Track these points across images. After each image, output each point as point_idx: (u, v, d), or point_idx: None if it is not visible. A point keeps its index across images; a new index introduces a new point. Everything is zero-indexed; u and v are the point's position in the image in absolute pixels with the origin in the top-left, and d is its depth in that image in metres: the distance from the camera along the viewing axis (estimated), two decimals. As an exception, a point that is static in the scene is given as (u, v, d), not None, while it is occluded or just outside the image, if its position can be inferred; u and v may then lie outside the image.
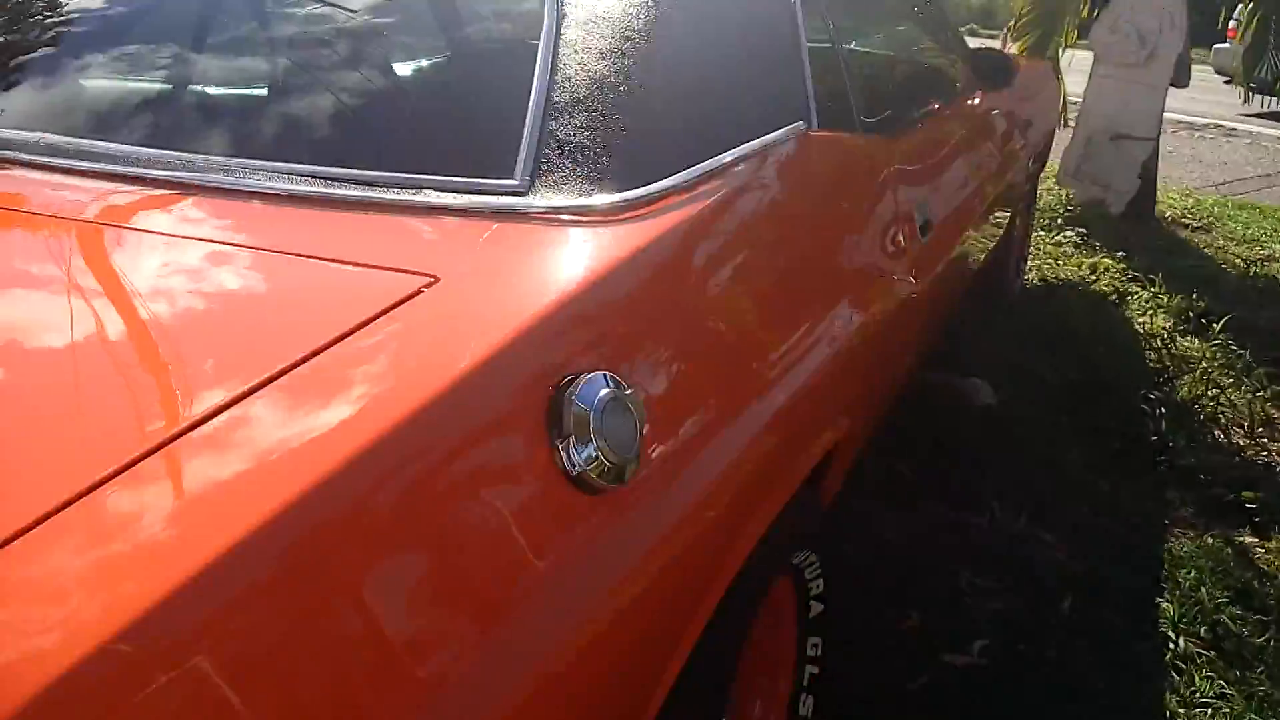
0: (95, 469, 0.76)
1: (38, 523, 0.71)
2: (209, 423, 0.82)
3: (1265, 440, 3.06)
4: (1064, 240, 4.75)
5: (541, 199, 1.19)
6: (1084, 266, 4.38)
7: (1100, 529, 2.57)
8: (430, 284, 1.03)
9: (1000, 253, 3.37)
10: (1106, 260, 4.43)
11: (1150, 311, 3.92)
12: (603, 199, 1.20)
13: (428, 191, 1.20)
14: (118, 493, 0.75)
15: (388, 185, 1.21)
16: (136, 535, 0.73)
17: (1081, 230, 4.83)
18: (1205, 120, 9.71)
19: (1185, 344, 3.63)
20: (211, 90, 1.52)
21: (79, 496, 0.73)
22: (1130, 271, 4.32)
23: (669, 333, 1.16)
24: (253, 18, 1.67)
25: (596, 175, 1.23)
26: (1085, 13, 5.46)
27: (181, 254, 1.13)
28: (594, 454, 0.95)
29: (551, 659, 0.90)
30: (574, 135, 1.26)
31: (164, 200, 1.23)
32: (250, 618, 0.72)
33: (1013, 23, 5.49)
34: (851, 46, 2.29)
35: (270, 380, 0.87)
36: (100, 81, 1.53)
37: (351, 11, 1.52)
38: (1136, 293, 4.12)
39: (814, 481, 1.62)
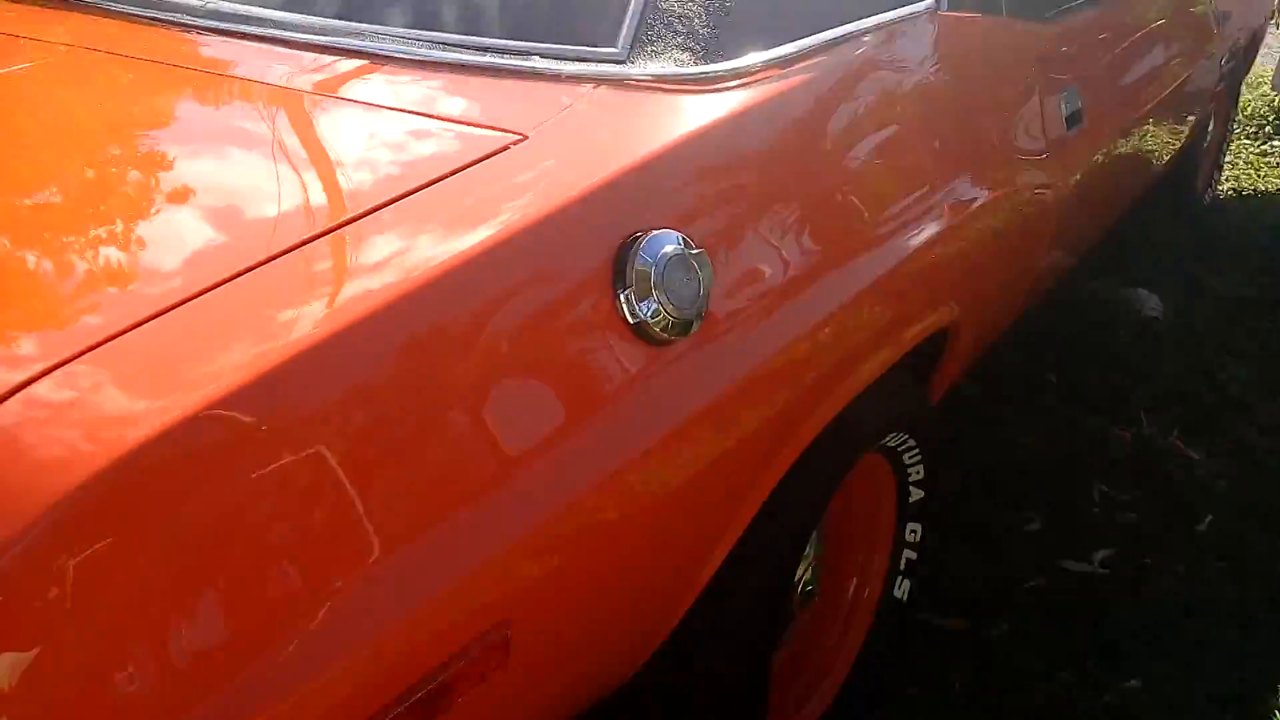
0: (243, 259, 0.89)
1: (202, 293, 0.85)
2: (305, 246, 0.92)
3: None
4: (1270, 150, 4.38)
5: (639, 68, 1.22)
6: (1288, 179, 4.04)
7: (1257, 451, 2.44)
8: (517, 141, 1.09)
9: (1183, 158, 3.16)
10: (1314, 173, 4.08)
11: (1357, 229, 3.60)
12: (698, 69, 1.22)
13: (535, 58, 1.25)
14: (250, 283, 0.88)
15: (501, 52, 1.27)
16: (268, 321, 0.86)
17: (1293, 141, 4.44)
18: None
19: (1392, 266, 3.33)
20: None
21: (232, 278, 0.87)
22: (1340, 186, 3.96)
23: (750, 199, 1.18)
24: None
25: (695, 47, 1.25)
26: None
27: (308, 106, 1.24)
28: (655, 306, 1.00)
29: (602, 492, 0.97)
30: (677, 6, 1.27)
31: (297, 61, 1.32)
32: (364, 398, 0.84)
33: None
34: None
35: (366, 214, 0.97)
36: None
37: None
38: (1345, 209, 3.78)
39: (917, 367, 1.62)
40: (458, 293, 0.92)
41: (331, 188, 1.06)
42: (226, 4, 1.46)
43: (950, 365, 1.74)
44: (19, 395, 0.75)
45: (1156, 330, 2.92)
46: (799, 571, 1.50)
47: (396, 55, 1.28)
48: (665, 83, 1.21)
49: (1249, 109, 4.78)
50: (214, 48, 1.39)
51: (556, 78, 1.22)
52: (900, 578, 1.72)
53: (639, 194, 1.06)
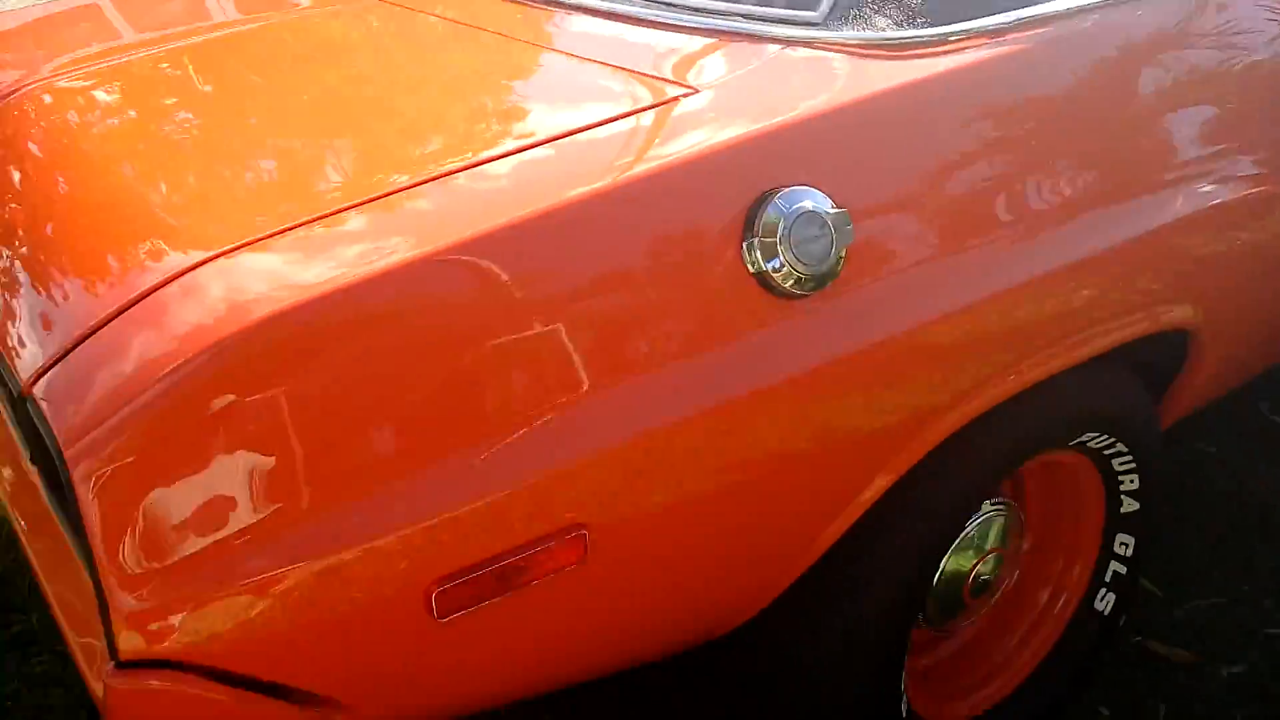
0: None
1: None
2: (491, 163, 1.06)
3: None
4: None
5: (831, 32, 1.23)
6: None
7: None
8: (687, 94, 1.15)
9: None
10: None
11: None
12: (891, 35, 1.22)
13: (736, 19, 1.30)
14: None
15: (706, 11, 1.34)
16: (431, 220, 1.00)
17: None
18: None
19: None
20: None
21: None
22: None
23: (921, 168, 1.15)
24: None
25: (897, 14, 1.24)
26: None
27: (518, 52, 1.39)
28: (779, 260, 1.03)
29: (694, 428, 1.02)
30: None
31: (521, 11, 1.47)
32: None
33: None
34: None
35: (543, 143, 1.10)
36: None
37: None
38: None
39: (1145, 372, 1.50)
40: (599, 220, 1.01)
41: (514, 118, 1.19)
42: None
43: (1193, 380, 1.58)
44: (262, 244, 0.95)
45: None
46: (971, 563, 1.45)
47: (610, 10, 1.39)
48: (855, 47, 1.22)
49: None
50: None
51: (750, 37, 1.27)
52: (1104, 590, 1.62)
53: (788, 150, 1.08)
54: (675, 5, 1.36)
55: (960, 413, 1.19)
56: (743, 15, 1.30)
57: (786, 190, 1.05)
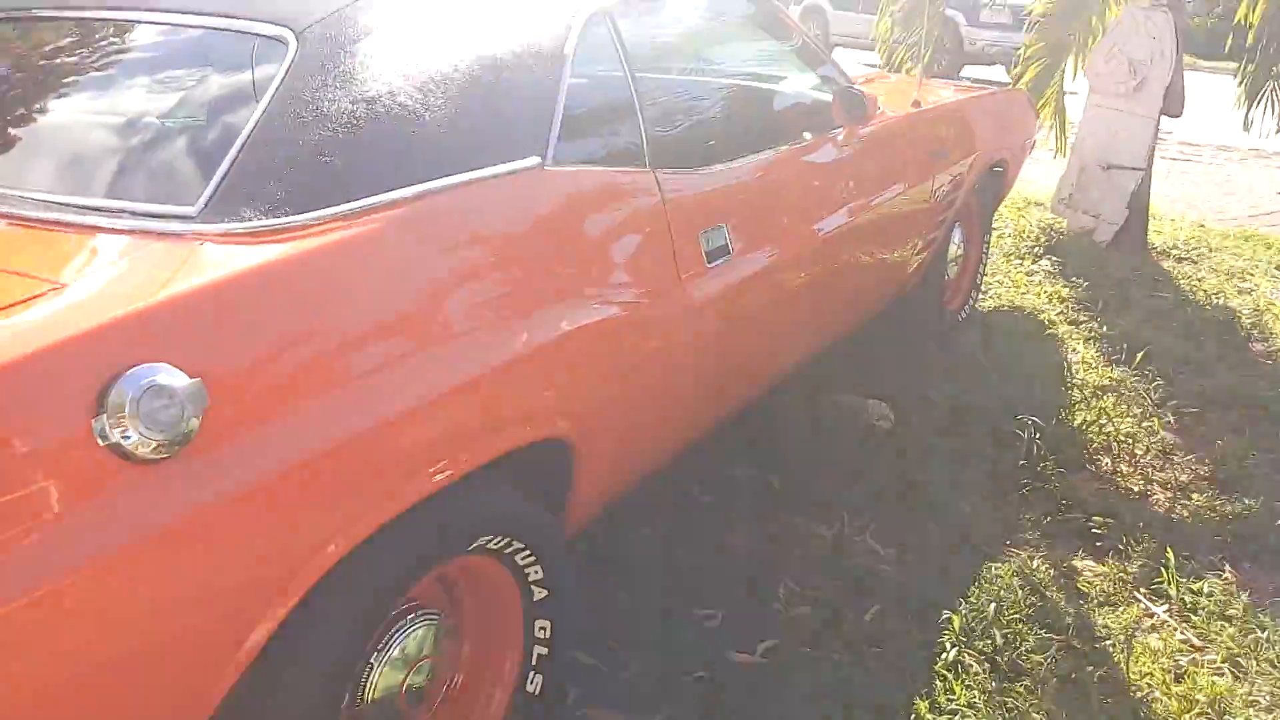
0: None
1: None
2: None
3: (1154, 471, 3.09)
4: (1037, 269, 4.77)
5: (204, 225, 1.41)
6: (1042, 296, 4.41)
7: (937, 546, 2.66)
8: (54, 288, 1.27)
9: (909, 283, 3.46)
10: (1063, 289, 4.45)
11: (1086, 340, 3.95)
12: (256, 224, 1.42)
13: (114, 214, 1.44)
14: None
15: (85, 209, 1.46)
16: None
17: (1059, 260, 4.84)
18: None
19: (1107, 374, 3.65)
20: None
21: None
22: (1084, 302, 4.33)
23: (268, 333, 1.36)
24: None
25: (264, 206, 1.45)
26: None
27: None
28: (130, 431, 1.16)
29: (81, 596, 1.12)
30: (258, 175, 1.48)
31: None
32: None
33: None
34: (674, 79, 2.50)
35: None
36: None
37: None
38: (1084, 322, 4.13)
39: (533, 478, 1.79)
40: None
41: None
42: None
43: (583, 484, 1.90)
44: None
45: (880, 437, 3.17)
46: (402, 676, 1.61)
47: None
48: (223, 236, 1.40)
49: (1024, 230, 5.22)
50: None
51: (126, 231, 1.41)
52: (533, 674, 1.86)
53: (141, 331, 1.23)
54: (53, 204, 1.47)
55: (335, 548, 1.37)
56: (121, 211, 1.44)
57: (134, 368, 1.19)
